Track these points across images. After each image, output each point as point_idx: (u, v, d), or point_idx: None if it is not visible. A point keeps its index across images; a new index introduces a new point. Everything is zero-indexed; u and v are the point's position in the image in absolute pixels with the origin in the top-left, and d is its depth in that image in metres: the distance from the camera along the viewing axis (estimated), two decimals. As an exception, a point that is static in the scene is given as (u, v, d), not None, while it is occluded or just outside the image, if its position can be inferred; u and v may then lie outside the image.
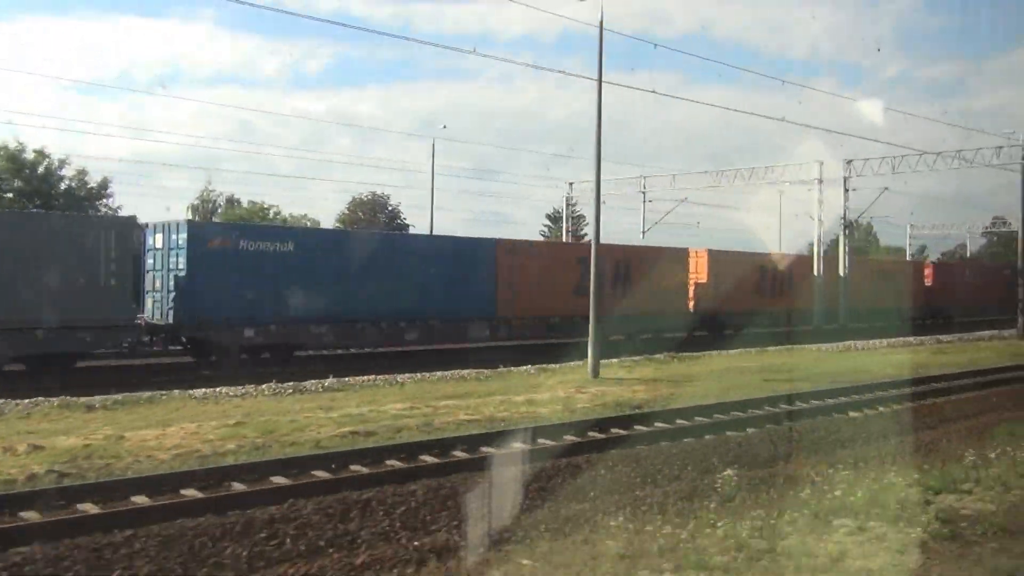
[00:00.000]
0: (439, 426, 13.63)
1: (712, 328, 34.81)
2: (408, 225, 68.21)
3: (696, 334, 35.13)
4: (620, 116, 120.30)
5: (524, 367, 22.33)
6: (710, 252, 34.16)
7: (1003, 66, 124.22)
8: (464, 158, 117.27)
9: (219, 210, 70.15)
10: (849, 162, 38.89)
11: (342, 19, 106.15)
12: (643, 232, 43.33)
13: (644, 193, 42.72)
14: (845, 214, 39.06)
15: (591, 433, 12.85)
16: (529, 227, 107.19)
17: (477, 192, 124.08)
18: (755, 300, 35.81)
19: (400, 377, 19.56)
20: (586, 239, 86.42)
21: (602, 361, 23.81)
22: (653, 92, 30.04)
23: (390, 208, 67.60)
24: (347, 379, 18.79)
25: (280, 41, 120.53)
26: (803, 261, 39.23)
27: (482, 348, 27.41)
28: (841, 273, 38.79)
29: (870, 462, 10.28)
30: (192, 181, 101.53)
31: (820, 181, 37.54)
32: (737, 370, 22.38)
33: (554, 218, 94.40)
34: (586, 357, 25.14)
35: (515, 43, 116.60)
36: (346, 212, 66.52)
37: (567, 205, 44.97)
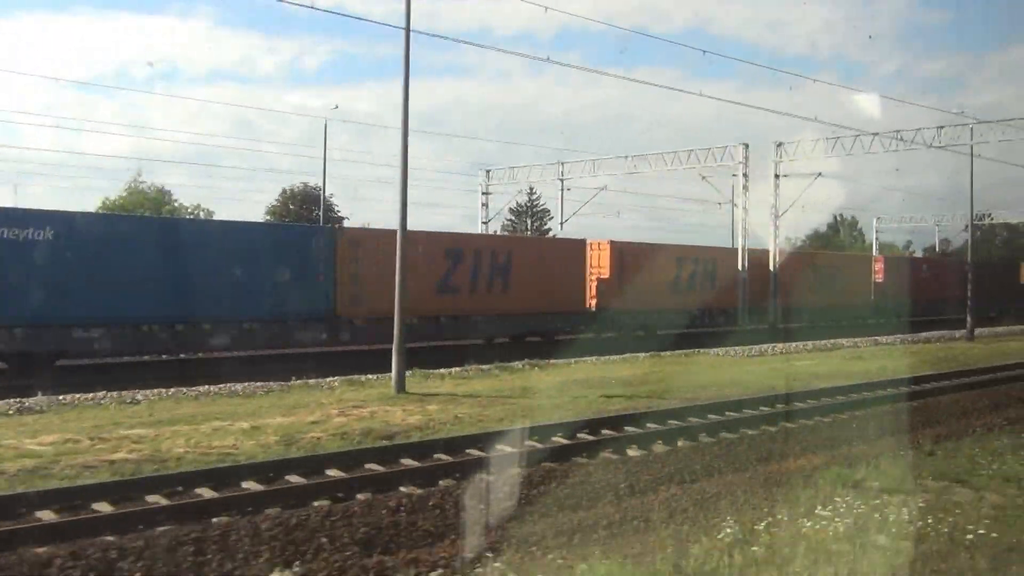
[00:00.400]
0: (60, 472, 9.91)
1: (618, 329, 31.08)
2: (343, 218, 64.57)
3: (606, 336, 31.46)
4: (618, 111, 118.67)
5: (331, 378, 18.60)
6: (613, 244, 30.40)
7: (1002, 62, 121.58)
8: (461, 154, 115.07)
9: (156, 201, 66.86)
10: (779, 145, 35.15)
11: (339, 17, 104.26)
12: (561, 223, 39.59)
13: (563, 181, 38.92)
14: (776, 202, 35.29)
15: (245, 484, 9.14)
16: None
17: (474, 189, 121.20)
18: (672, 298, 32.08)
19: (145, 393, 15.85)
20: (551, 234, 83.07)
21: (436, 371, 20.15)
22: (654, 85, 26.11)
23: (324, 201, 63.70)
24: (64, 397, 15.08)
25: (278, 38, 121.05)
26: (733, 255, 35.47)
27: (324, 354, 23.62)
28: (771, 268, 35.04)
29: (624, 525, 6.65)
30: (191, 177, 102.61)
31: (745, 165, 33.80)
32: (588, 383, 18.67)
33: (517, 212, 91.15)
34: (452, 365, 21.58)
35: (512, 39, 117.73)
36: (276, 204, 62.70)
37: (482, 193, 41.13)
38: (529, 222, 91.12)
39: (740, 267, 33.58)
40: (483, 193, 41.12)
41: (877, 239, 69.12)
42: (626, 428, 12.73)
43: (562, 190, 39.05)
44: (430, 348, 25.95)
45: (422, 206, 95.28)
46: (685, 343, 29.22)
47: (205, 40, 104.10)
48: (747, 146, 33.69)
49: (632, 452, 11.30)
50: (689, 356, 25.34)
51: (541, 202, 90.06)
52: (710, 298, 33.55)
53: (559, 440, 11.99)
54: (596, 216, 40.21)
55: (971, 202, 33.44)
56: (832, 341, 30.86)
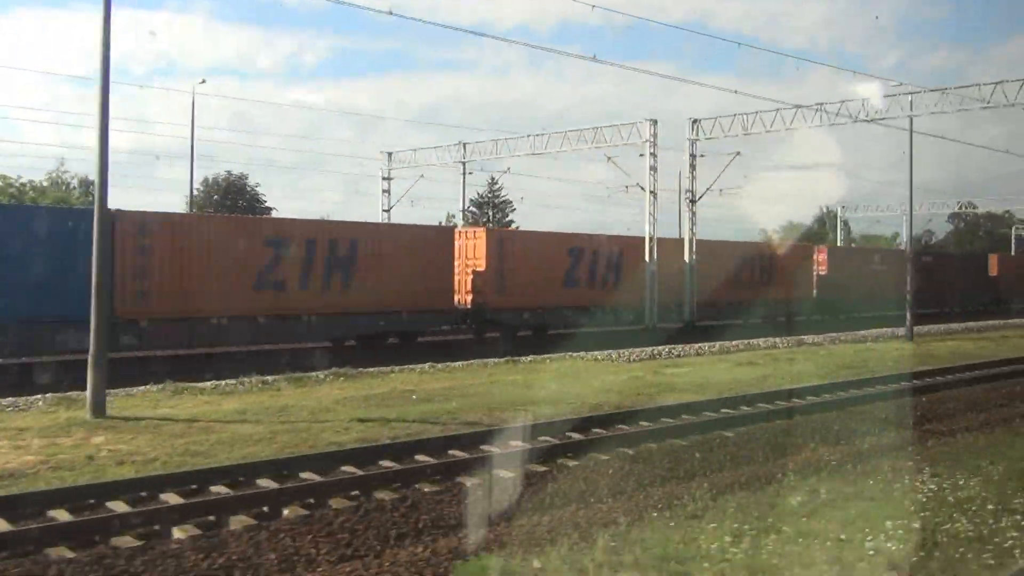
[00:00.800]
0: None
1: (501, 329, 27.41)
2: (272, 209, 60.74)
3: (489, 336, 27.78)
4: (616, 107, 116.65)
5: (47, 395, 14.93)
6: (491, 232, 26.70)
7: (1003, 54, 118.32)
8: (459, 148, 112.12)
9: (75, 192, 63.24)
10: (696, 122, 31.38)
11: (338, 10, 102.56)
12: (462, 210, 35.80)
13: (464, 164, 35.16)
14: (693, 185, 31.54)
15: None
16: (525, 216, 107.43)
17: (472, 183, 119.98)
18: (566, 294, 28.37)
19: None
20: (513, 226, 79.27)
21: (197, 385, 16.42)
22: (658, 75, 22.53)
23: (249, 191, 60.00)
24: None
25: (276, 33, 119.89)
26: (643, 245, 31.69)
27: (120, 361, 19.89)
28: (687, 259, 31.31)
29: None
30: (187, 173, 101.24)
31: (653, 143, 29.99)
32: (382, 399, 15.30)
33: (479, 203, 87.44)
34: (249, 373, 17.89)
35: (510, 33, 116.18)
36: (198, 193, 58.79)
37: (383, 179, 37.32)
38: (491, 213, 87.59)
39: (648, 258, 29.82)
40: (384, 178, 37.36)
41: (847, 229, 65.34)
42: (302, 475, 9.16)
43: (464, 174, 35.33)
44: (260, 353, 22.32)
45: (420, 199, 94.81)
46: (574, 344, 25.59)
47: (203, 35, 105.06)
48: (655, 122, 29.94)
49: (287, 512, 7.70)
50: (551, 362, 21.60)
51: (503, 193, 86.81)
52: (615, 293, 29.84)
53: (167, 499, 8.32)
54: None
55: (910, 180, 29.66)
56: (747, 342, 27.17)
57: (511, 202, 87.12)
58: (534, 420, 12.53)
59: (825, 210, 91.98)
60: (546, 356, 22.36)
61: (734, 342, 26.87)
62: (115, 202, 18.04)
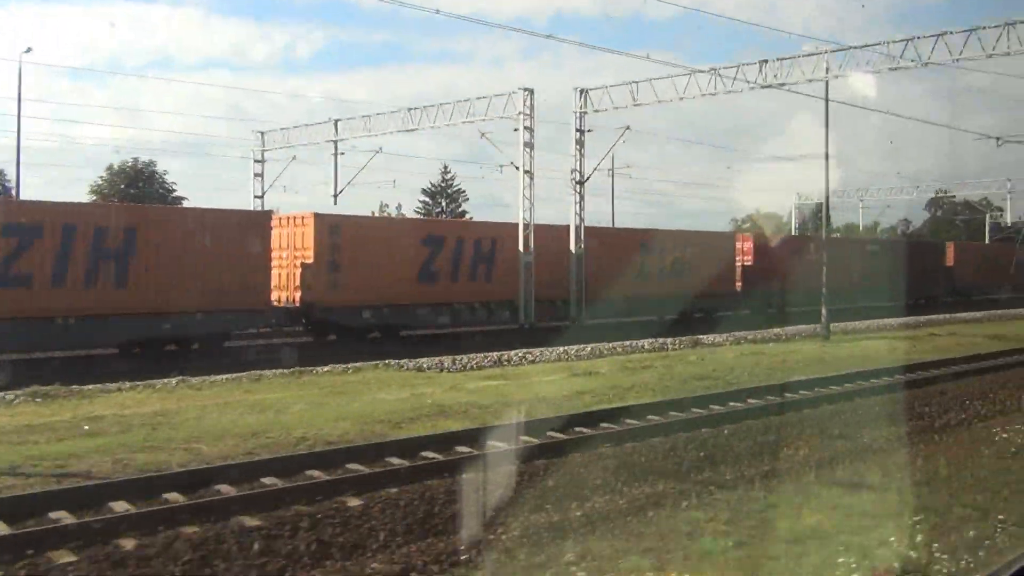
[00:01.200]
0: None
1: (336, 331, 23.62)
2: (183, 199, 56.64)
3: (330, 339, 23.99)
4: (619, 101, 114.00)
5: None
6: (320, 218, 22.81)
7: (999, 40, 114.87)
8: (457, 141, 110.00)
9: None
10: (584, 92, 27.51)
11: (333, 4, 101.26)
12: (335, 195, 31.93)
13: (336, 143, 31.24)
14: (581, 164, 27.69)
15: None
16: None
17: (470, 176, 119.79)
18: (423, 290, 24.53)
19: None
20: (468, 216, 75.34)
21: None
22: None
23: (158, 178, 55.98)
24: None
25: (272, 25, 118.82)
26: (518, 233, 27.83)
27: None
28: (572, 249, 27.49)
29: None
30: (182, 166, 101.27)
31: (530, 116, 26.10)
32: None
33: (431, 192, 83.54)
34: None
35: (507, 25, 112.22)
36: (101, 181, 54.81)
37: (255, 161, 33.37)
38: (444, 203, 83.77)
39: (522, 247, 25.97)
40: (256, 161, 33.43)
41: (797, 217, 61.60)
42: None
43: (336, 153, 31.43)
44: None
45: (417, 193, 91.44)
46: (429, 348, 21.90)
47: (198, 28, 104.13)
48: (531, 92, 26.05)
49: None
50: (353, 373, 17.76)
51: (456, 182, 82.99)
52: (487, 288, 26.05)
53: None
54: (372, 185, 32.41)
55: (826, 156, 25.81)
56: (629, 343, 23.45)
57: (464, 191, 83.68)
58: (197, 463, 8.82)
59: (800, 199, 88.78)
60: (357, 365, 18.54)
61: (611, 344, 23.15)
62: None
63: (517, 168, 26.16)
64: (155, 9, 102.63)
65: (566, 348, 22.21)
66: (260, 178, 33.49)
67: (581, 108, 27.32)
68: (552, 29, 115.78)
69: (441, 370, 18.94)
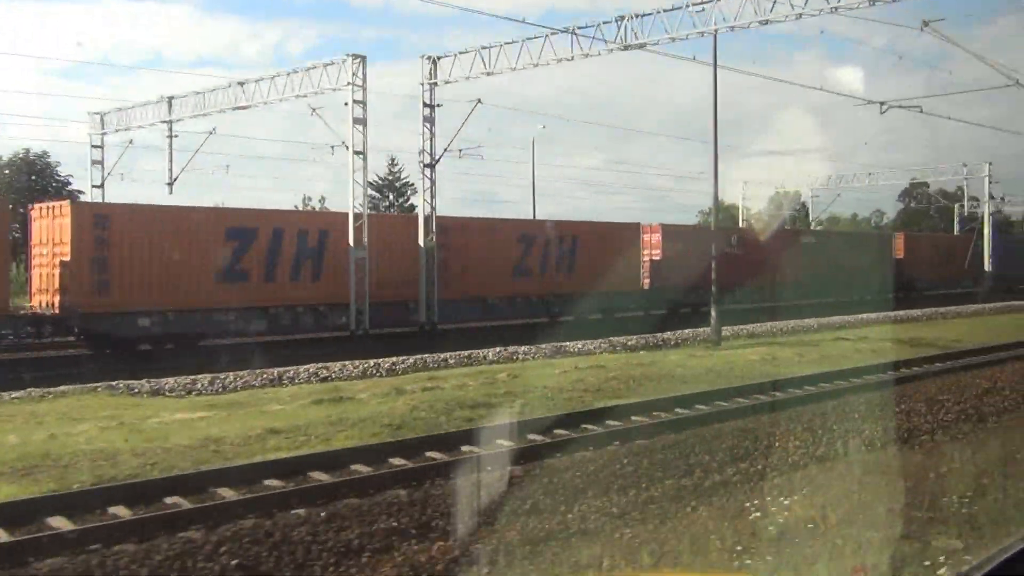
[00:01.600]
0: None
1: (114, 345, 19.79)
2: (80, 193, 52.47)
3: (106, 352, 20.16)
4: (605, 92, 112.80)
5: None
6: (80, 208, 18.95)
7: (988, 35, 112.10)
8: (448, 137, 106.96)
9: None
10: (434, 61, 23.67)
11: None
12: (169, 182, 27.99)
13: (171, 123, 27.31)
14: (431, 145, 23.82)
15: None
16: (520, 207, 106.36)
17: (464, 171, 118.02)
18: (226, 291, 20.68)
19: None
20: (416, 210, 71.57)
21: None
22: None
23: (52, 170, 51.81)
24: None
25: (263, 22, 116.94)
26: (373, 223, 24.03)
27: None
28: (421, 243, 23.66)
29: None
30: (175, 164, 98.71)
31: (361, 87, 22.23)
32: None
33: (379, 186, 79.83)
34: None
35: (498, 22, 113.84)
36: (-12, 173, 50.62)
37: (93, 147, 29.41)
38: (392, 197, 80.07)
39: (352, 242, 22.13)
40: (93, 146, 29.52)
41: (744, 208, 57.80)
42: None
43: (170, 135, 27.54)
44: None
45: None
46: (234, 360, 18.16)
47: (189, 26, 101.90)
48: (363, 59, 22.19)
49: None
50: (56, 400, 13.96)
51: (404, 174, 79.28)
52: (313, 289, 22.26)
53: None
54: (206, 172, 28.51)
55: (715, 134, 22.08)
56: (466, 354, 19.73)
57: (412, 184, 79.98)
58: None
59: (780, 190, 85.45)
60: (63, 389, 14.74)
61: (443, 355, 19.42)
62: None
63: (347, 147, 22.29)
64: (144, 7, 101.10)
65: (378, 361, 18.48)
66: (100, 165, 29.56)
67: (429, 79, 23.48)
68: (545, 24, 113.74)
69: (188, 393, 15.22)
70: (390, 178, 78.11)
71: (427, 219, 23.61)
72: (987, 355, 19.32)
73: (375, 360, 18.58)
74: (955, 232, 69.25)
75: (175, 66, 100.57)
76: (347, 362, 18.33)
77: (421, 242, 23.43)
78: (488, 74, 22.42)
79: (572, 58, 21.11)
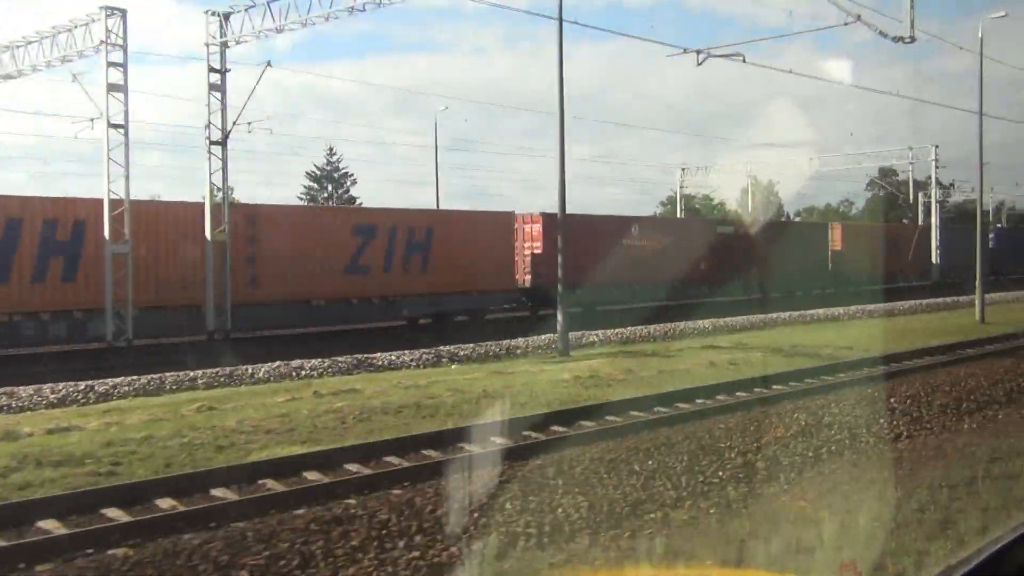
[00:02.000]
0: None
1: None
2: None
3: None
4: (597, 83, 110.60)
5: None
6: None
7: (972, 28, 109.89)
8: (440, 130, 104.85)
9: None
10: (226, 17, 19.74)
11: None
12: None
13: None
14: (221, 118, 19.91)
15: None
16: (514, 200, 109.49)
17: (457, 165, 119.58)
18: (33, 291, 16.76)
19: None
20: (358, 203, 67.46)
21: None
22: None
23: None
24: None
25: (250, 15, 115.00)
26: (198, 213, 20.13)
27: None
28: (208, 235, 19.76)
29: None
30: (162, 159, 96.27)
31: (120, 47, 18.28)
32: None
33: (316, 176, 76.08)
34: None
35: (485, 14, 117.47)
36: None
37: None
38: (331, 188, 76.20)
39: (108, 234, 18.17)
40: None
41: (681, 197, 53.96)
42: None
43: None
44: None
45: (408, 184, 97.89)
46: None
47: (174, 20, 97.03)
48: (123, 13, 18.22)
49: None
50: None
51: (343, 165, 75.41)
52: (65, 291, 18.39)
53: None
54: None
55: (559, 80, 18.25)
56: (286, 365, 16.01)
57: (352, 174, 76.25)
58: None
59: (753, 180, 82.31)
60: None
61: (274, 364, 15.70)
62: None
63: (108, 121, 18.32)
64: (130, 1, 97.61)
65: (91, 383, 14.62)
66: None
67: (217, 38, 19.57)
68: (531, 17, 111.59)
69: None
70: (328, 168, 74.35)
71: (216, 207, 19.69)
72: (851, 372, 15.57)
73: (87, 382, 14.72)
74: (919, 222, 65.70)
75: (161, 61, 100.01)
76: (49, 385, 14.50)
77: (208, 234, 19.52)
78: (278, 31, 18.49)
79: (364, 9, 17.21)
